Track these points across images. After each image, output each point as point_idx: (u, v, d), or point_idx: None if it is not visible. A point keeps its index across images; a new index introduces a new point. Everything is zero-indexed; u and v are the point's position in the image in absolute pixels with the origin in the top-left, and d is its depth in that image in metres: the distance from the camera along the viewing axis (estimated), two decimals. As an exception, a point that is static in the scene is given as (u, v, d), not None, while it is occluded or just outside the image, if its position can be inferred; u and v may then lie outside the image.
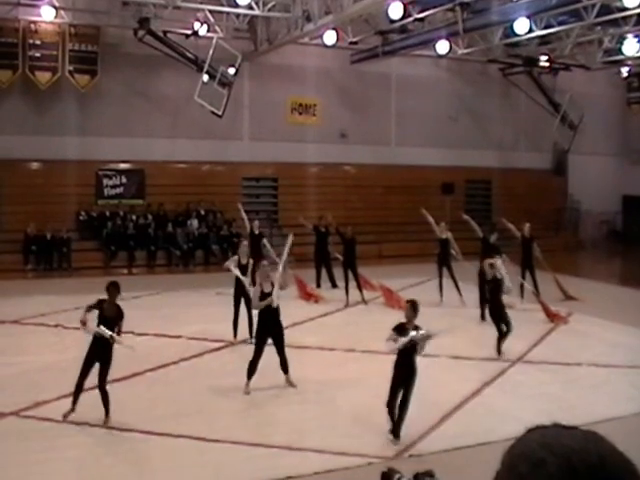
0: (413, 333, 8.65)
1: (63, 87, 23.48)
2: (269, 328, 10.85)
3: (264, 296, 10.88)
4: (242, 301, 13.44)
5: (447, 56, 25.88)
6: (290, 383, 11.08)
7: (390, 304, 17.36)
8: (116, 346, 9.32)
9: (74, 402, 9.34)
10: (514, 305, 16.32)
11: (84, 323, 9.36)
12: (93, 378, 10.43)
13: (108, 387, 10.82)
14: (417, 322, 8.84)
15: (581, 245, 30.29)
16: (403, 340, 8.58)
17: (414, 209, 21.24)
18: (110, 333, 9.15)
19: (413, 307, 8.89)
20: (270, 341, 10.88)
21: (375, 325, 14.41)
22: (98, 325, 9.27)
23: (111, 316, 9.34)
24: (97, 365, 9.34)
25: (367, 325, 15.07)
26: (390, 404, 8.71)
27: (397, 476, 4.77)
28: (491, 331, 15.16)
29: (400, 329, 8.75)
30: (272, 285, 10.96)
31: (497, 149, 30.31)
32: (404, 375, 8.72)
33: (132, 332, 14.43)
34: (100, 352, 9.27)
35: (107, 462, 8.33)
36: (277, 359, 10.93)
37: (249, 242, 19.47)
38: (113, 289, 9.48)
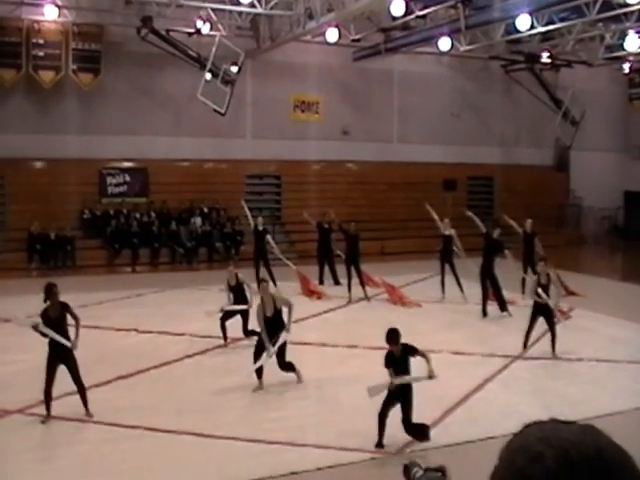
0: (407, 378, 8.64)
1: (66, 86, 23.53)
2: (272, 337, 10.89)
3: (268, 322, 10.89)
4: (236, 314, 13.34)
5: (449, 53, 25.88)
6: (298, 378, 11.15)
7: (393, 300, 17.44)
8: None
9: (48, 409, 9.39)
10: (516, 301, 16.41)
11: (36, 328, 9.41)
12: (97, 376, 10.56)
13: (112, 385, 10.91)
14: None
15: (583, 241, 30.28)
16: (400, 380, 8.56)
17: (416, 206, 21.32)
18: (68, 343, 9.30)
19: (388, 337, 8.66)
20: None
21: (378, 321, 14.46)
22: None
23: (56, 317, 9.37)
24: (62, 367, 9.42)
25: (370, 321, 15.13)
26: (382, 414, 8.58)
27: (415, 470, 4.83)
28: (493, 327, 15.27)
29: (391, 359, 8.66)
30: (274, 307, 10.94)
31: (499, 146, 30.31)
32: (400, 390, 8.64)
33: (136, 329, 14.62)
34: (61, 354, 9.34)
35: (112, 459, 8.40)
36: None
37: (254, 239, 19.66)
38: (50, 291, 9.44)
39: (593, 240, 30.59)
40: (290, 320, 11.07)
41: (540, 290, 12.65)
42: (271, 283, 16.19)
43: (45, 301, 9.49)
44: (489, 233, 16.42)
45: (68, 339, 9.39)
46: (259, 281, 17.87)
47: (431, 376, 8.65)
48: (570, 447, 1.15)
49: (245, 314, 13.10)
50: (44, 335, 9.36)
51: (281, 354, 10.92)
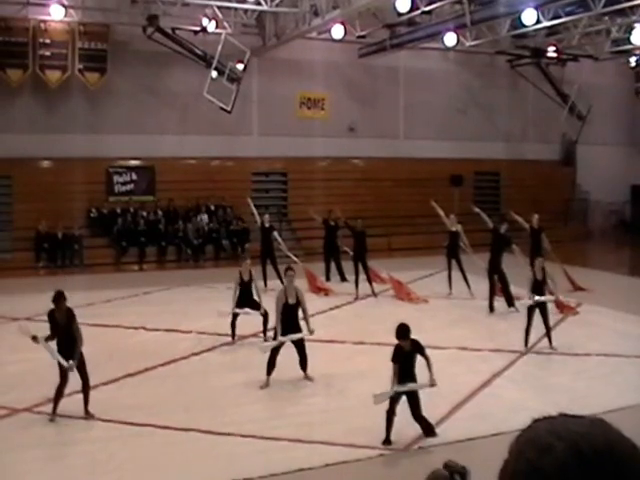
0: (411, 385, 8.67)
1: (73, 85, 23.60)
2: (289, 330, 10.95)
3: (287, 309, 10.97)
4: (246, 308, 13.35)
5: (455, 48, 25.79)
6: (308, 378, 11.17)
7: (400, 296, 17.44)
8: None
9: (55, 407, 9.42)
10: (523, 296, 16.38)
11: (35, 339, 9.47)
12: (105, 374, 10.60)
13: (120, 383, 10.95)
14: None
15: (590, 235, 30.19)
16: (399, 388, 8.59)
17: (423, 202, 21.27)
18: (67, 364, 9.31)
19: (397, 332, 8.67)
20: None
21: (385, 318, 14.48)
22: (53, 337, 9.47)
23: (64, 323, 9.45)
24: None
25: (377, 318, 15.13)
26: (390, 411, 8.60)
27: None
28: (500, 323, 15.27)
29: (400, 353, 8.67)
30: (297, 297, 11.03)
31: (505, 141, 30.23)
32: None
33: (143, 327, 14.65)
34: (68, 353, 9.38)
35: (120, 456, 8.43)
36: (288, 354, 11.00)
37: (260, 236, 19.65)
38: (57, 299, 9.51)
39: (600, 235, 30.48)
40: (308, 321, 11.17)
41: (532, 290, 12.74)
42: (277, 281, 16.28)
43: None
44: (496, 228, 16.38)
45: (75, 345, 9.42)
46: (266, 278, 18.06)
47: (432, 384, 8.70)
48: (580, 439, 1.15)
49: (264, 317, 13.08)
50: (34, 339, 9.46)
51: (301, 348, 11.02)
